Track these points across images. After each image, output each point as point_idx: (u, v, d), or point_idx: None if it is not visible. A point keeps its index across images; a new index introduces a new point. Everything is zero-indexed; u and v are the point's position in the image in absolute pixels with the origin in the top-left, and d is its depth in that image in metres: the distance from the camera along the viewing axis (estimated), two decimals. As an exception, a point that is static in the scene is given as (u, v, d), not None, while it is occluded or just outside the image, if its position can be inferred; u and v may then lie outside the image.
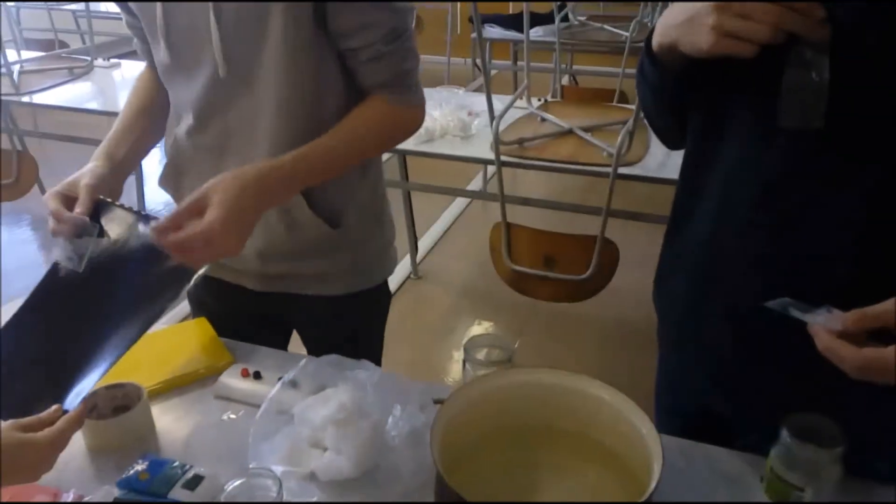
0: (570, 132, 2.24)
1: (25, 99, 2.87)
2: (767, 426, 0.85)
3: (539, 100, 2.55)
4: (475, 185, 3.96)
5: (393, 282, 3.16)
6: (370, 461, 0.92)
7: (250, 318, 1.24)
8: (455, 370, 2.65)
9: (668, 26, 0.83)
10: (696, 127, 0.97)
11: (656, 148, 2.10)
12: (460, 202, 3.87)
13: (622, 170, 1.96)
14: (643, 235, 2.98)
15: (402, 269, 3.23)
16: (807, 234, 0.86)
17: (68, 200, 1.06)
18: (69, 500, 0.88)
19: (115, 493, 0.86)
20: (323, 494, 0.88)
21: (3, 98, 2.81)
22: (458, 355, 2.72)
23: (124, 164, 1.16)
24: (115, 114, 2.74)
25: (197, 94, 1.09)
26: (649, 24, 3.06)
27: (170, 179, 1.20)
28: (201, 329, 1.21)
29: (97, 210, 1.06)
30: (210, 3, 0.99)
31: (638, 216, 2.30)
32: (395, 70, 1.06)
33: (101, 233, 1.05)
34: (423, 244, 3.43)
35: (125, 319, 1.00)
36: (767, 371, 0.95)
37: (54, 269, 1.06)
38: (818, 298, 0.77)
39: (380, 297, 1.33)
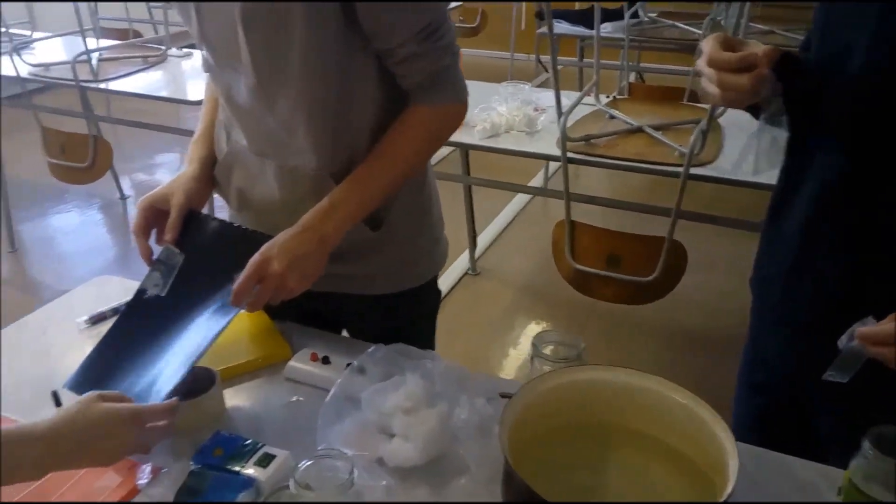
0: (639, 130, 2.20)
1: (102, 86, 2.97)
2: (846, 414, 0.91)
3: (607, 96, 2.52)
4: (536, 181, 3.94)
5: (450, 277, 3.20)
6: (437, 450, 0.93)
7: (300, 314, 1.24)
8: (511, 367, 2.64)
9: None
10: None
11: (730, 149, 2.05)
12: (520, 199, 3.85)
13: (694, 170, 1.91)
14: (708, 239, 2.93)
15: (461, 264, 3.23)
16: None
17: (158, 214, 1.13)
18: (146, 472, 0.90)
19: (191, 467, 0.89)
20: (389, 480, 0.89)
21: (82, 84, 2.91)
22: (515, 352, 2.72)
23: (212, 162, 1.21)
24: (185, 102, 2.86)
25: (238, 98, 1.09)
26: (723, 22, 2.99)
27: (220, 177, 1.21)
28: (259, 319, 1.22)
29: (185, 221, 1.13)
30: (238, 14, 0.97)
31: (710, 219, 2.25)
32: (430, 69, 1.04)
33: (184, 248, 1.12)
34: (482, 240, 3.42)
35: (203, 323, 1.04)
36: None
37: (140, 294, 1.12)
38: None
39: (428, 294, 1.31)
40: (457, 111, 1.11)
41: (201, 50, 1.10)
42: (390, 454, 0.92)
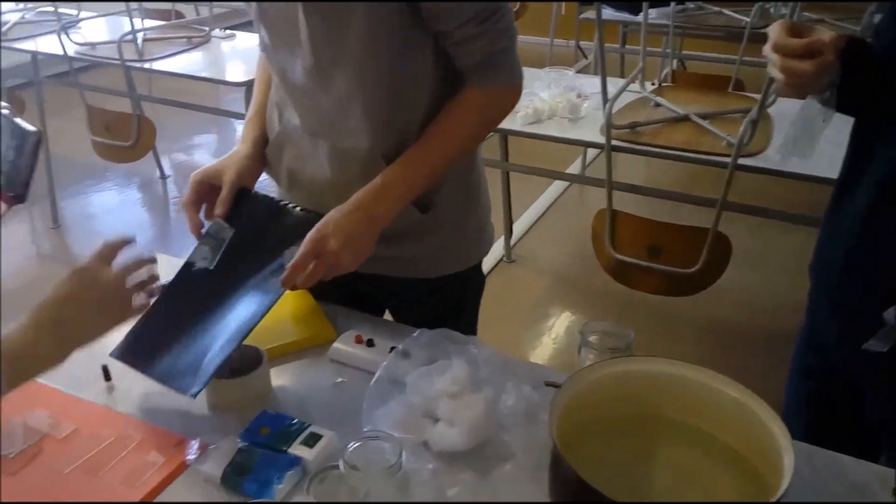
0: (685, 118, 2.16)
1: (147, 65, 3.00)
2: None
3: (652, 84, 2.47)
4: (573, 169, 3.90)
5: (486, 264, 3.14)
6: (482, 435, 0.93)
7: (344, 296, 1.25)
8: (544, 355, 2.63)
9: None
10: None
11: (779, 139, 2.00)
12: (557, 187, 3.81)
13: (742, 160, 1.87)
14: (746, 231, 2.87)
15: (496, 251, 3.22)
16: None
17: (209, 189, 1.14)
18: (195, 448, 0.91)
19: (239, 444, 0.89)
20: (435, 463, 0.88)
21: (127, 64, 2.94)
22: (549, 341, 2.70)
23: (264, 142, 1.22)
24: (225, 83, 2.88)
25: (293, 78, 1.09)
26: (772, 10, 2.92)
27: (271, 156, 1.22)
28: (304, 300, 1.22)
29: (235, 198, 1.13)
30: None
31: (756, 210, 2.20)
32: (487, 51, 1.04)
33: (233, 224, 1.12)
34: (518, 227, 3.40)
35: (251, 300, 1.05)
36: None
37: (188, 266, 1.13)
38: None
39: (472, 279, 1.31)
40: (511, 94, 1.11)
41: (258, 30, 1.10)
42: (435, 439, 0.92)
